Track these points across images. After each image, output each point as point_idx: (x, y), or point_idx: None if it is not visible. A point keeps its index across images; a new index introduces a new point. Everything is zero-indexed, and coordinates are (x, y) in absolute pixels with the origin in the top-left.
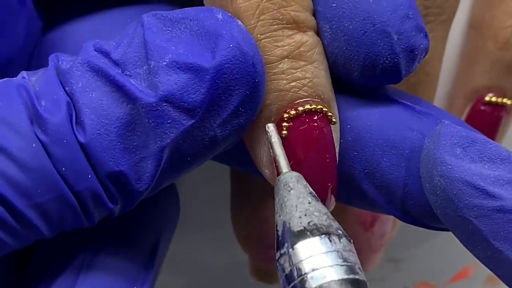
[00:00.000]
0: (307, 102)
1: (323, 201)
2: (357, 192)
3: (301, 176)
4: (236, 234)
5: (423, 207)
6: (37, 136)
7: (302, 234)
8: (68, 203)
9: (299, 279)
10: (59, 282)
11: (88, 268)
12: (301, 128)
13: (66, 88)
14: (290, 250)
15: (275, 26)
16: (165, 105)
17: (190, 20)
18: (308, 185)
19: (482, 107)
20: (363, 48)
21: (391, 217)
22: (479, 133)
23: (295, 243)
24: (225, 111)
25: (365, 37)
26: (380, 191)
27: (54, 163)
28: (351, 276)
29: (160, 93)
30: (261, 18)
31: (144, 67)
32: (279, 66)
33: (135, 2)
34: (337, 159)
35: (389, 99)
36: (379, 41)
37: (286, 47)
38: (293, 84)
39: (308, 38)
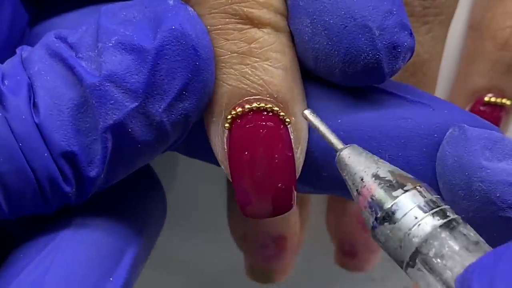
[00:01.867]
0: (255, 100)
1: (276, 203)
2: None
3: (355, 146)
4: (232, 233)
5: None
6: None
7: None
8: (26, 177)
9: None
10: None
11: (62, 246)
12: (247, 126)
13: (27, 72)
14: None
15: (227, 19)
16: (108, 85)
17: (145, 6)
18: (365, 151)
19: (482, 108)
20: (343, 43)
21: None
22: (487, 124)
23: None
24: (168, 94)
25: (346, 32)
26: None
27: (15, 138)
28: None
29: (103, 72)
30: (213, 11)
31: (95, 51)
32: (228, 60)
33: None
34: (302, 158)
35: (379, 90)
36: (359, 35)
37: (236, 41)
38: (242, 80)
39: (262, 35)
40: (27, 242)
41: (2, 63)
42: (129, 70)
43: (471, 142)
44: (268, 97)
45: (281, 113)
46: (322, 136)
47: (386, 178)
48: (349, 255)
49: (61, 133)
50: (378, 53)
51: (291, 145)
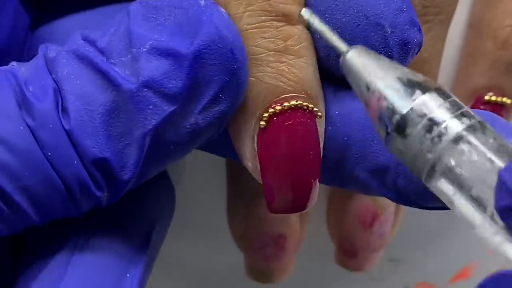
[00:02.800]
0: (293, 98)
1: (306, 197)
2: (349, 176)
3: (362, 47)
4: (232, 233)
5: (417, 186)
6: (24, 121)
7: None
8: (54, 187)
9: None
10: (52, 263)
11: (81, 249)
12: (286, 123)
13: (53, 76)
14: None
15: (263, 17)
16: (146, 91)
17: (175, 7)
18: (373, 52)
19: (482, 107)
20: (356, 41)
21: (391, 217)
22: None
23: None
24: (205, 97)
25: (359, 30)
26: (373, 173)
27: (41, 148)
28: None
29: (141, 79)
30: (249, 8)
31: (128, 56)
32: (265, 58)
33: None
34: (322, 152)
35: None
36: (372, 33)
37: (273, 39)
38: (279, 78)
39: (297, 32)
40: (42, 246)
41: (5, 65)
42: (167, 76)
43: None
44: (303, 94)
45: (315, 109)
46: (324, 39)
47: (400, 82)
48: (349, 255)
49: (93, 139)
50: (390, 50)
51: (319, 140)
